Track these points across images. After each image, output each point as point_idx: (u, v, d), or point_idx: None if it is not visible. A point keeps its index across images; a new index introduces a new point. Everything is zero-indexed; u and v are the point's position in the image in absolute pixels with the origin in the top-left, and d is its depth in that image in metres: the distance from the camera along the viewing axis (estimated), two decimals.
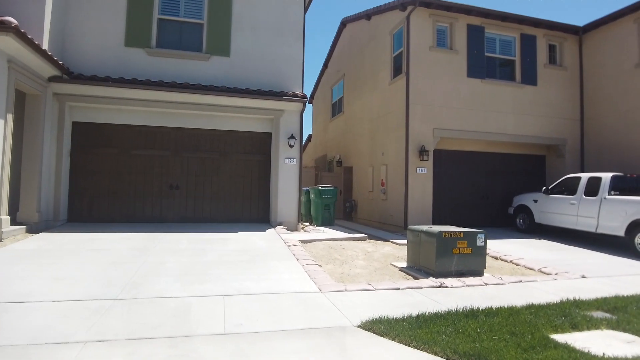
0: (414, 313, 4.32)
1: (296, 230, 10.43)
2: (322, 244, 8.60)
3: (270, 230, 9.59)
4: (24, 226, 8.32)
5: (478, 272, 6.45)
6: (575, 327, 4.05)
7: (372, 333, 3.81)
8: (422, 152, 11.25)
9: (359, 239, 9.25)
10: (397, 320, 4.04)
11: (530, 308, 4.56)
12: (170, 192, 10.41)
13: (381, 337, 3.72)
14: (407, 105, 11.43)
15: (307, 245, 8.41)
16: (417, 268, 6.68)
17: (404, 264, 7.12)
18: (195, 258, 6.72)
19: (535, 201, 11.49)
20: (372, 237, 10.13)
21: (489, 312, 4.34)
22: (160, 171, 10.40)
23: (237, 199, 10.76)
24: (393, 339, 3.65)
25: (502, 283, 6.04)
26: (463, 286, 5.78)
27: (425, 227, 6.64)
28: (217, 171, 10.70)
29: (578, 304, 4.81)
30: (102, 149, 10.12)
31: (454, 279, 6.02)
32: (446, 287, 5.70)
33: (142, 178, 10.30)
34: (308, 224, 12.24)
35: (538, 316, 4.25)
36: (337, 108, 18.34)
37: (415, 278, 6.34)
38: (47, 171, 9.10)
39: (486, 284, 5.94)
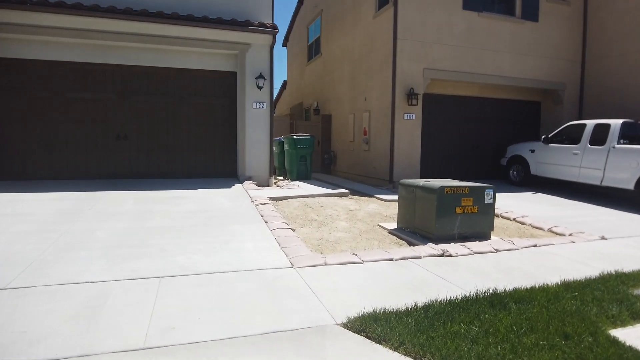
0: (420, 301, 3.15)
1: (268, 186, 9.12)
2: (297, 201, 7.34)
3: (236, 187, 8.24)
4: None
5: (484, 235, 5.36)
6: (636, 317, 2.98)
7: (364, 338, 2.62)
8: (411, 95, 9.88)
9: (340, 195, 8.03)
10: (398, 315, 2.86)
11: (568, 288, 3.46)
12: (117, 143, 8.81)
13: (378, 345, 2.54)
14: (395, 40, 9.89)
15: (280, 204, 7.14)
16: (410, 231, 5.54)
17: (394, 225, 5.96)
18: (137, 223, 5.36)
19: (532, 151, 10.44)
20: (354, 192, 8.94)
21: (520, 297, 3.21)
22: (105, 118, 8.73)
23: (198, 151, 9.27)
24: (396, 349, 2.48)
25: (514, 248, 4.97)
26: (470, 254, 4.67)
27: (422, 182, 5.42)
28: (174, 118, 9.10)
29: (623, 279, 3.75)
30: (31, 92, 8.33)
31: (458, 245, 4.90)
32: (450, 255, 4.57)
33: (83, 127, 8.63)
34: (282, 178, 10.92)
35: (585, 302, 3.15)
36: (314, 50, 16.52)
37: (410, 244, 5.20)
38: None
39: (497, 250, 4.85)
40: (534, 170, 10.38)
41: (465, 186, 5.18)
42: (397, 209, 7.12)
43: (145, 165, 8.98)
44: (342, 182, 11.16)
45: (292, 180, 10.11)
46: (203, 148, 9.29)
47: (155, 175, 9.01)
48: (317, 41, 15.91)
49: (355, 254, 4.40)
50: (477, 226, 5.28)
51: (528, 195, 9.34)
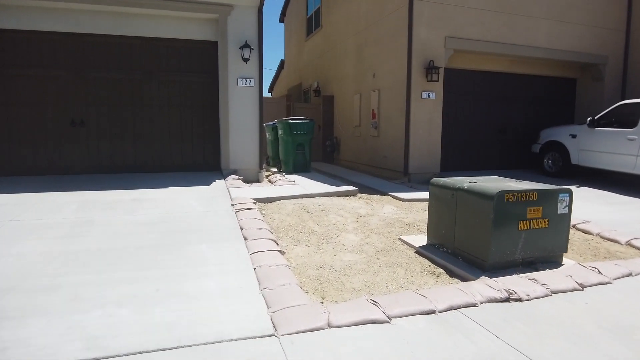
0: None
1: (257, 182, 7.52)
2: (292, 203, 5.74)
3: (217, 184, 6.64)
4: None
5: (554, 259, 3.76)
6: None
7: None
8: (430, 70, 8.17)
9: (346, 194, 6.43)
10: None
11: None
12: (72, 130, 7.18)
13: None
14: (411, 2, 8.14)
15: (269, 207, 5.54)
16: (448, 251, 3.94)
17: (422, 240, 4.36)
18: (61, 244, 3.78)
19: (574, 136, 8.76)
20: (363, 188, 7.33)
21: None
22: (56, 100, 7.09)
23: (173, 140, 7.65)
24: None
25: (605, 281, 3.36)
26: (547, 295, 3.08)
27: (466, 182, 3.80)
28: (142, 99, 7.46)
29: None
30: None
31: (524, 278, 3.30)
32: (519, 299, 2.98)
33: (28, 112, 6.99)
34: (276, 170, 9.31)
35: None
36: (313, 23, 14.71)
37: (451, 273, 3.60)
38: None
39: (582, 286, 3.24)
40: (575, 159, 8.71)
41: (532, 190, 3.55)
42: (419, 213, 5.52)
43: (108, 158, 7.36)
44: (347, 174, 9.53)
45: (287, 173, 8.50)
46: (179, 136, 7.66)
47: (121, 169, 7.41)
48: (317, 12, 14.09)
49: (374, 302, 2.80)
50: (546, 246, 3.67)
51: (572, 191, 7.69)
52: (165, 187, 6.27)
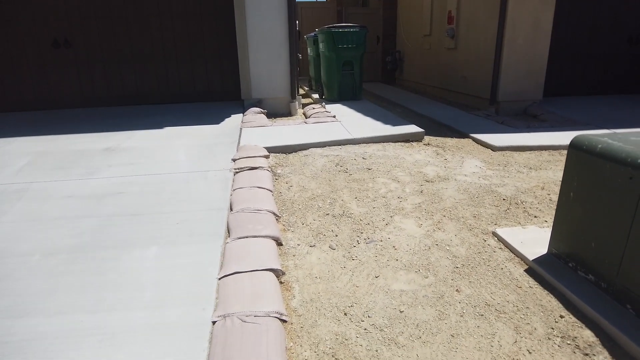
0: None
1: (288, 115, 5.72)
2: (324, 155, 3.94)
3: (230, 121, 4.95)
4: None
5: None
6: None
7: None
8: None
9: (407, 139, 4.45)
10: None
11: None
12: (55, 53, 5.69)
13: None
14: None
15: (290, 161, 3.80)
16: (601, 282, 2.00)
17: (534, 236, 2.44)
18: None
19: None
20: (432, 126, 5.28)
21: None
22: (31, 14, 5.53)
23: (181, 60, 5.92)
24: None
25: None
26: None
27: None
28: (140, 9, 5.67)
29: None
30: None
31: None
32: None
33: (3, 31, 5.54)
34: (318, 96, 7.35)
35: None
36: None
37: (610, 344, 1.71)
38: None
39: None
40: None
41: None
42: (523, 175, 3.48)
43: (101, 86, 5.87)
44: (410, 101, 7.35)
45: (329, 101, 6.55)
46: (188, 55, 5.90)
47: (115, 101, 5.92)
48: None
49: None
50: None
51: None
52: (161, 127, 4.71)
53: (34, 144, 4.20)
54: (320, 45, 6.76)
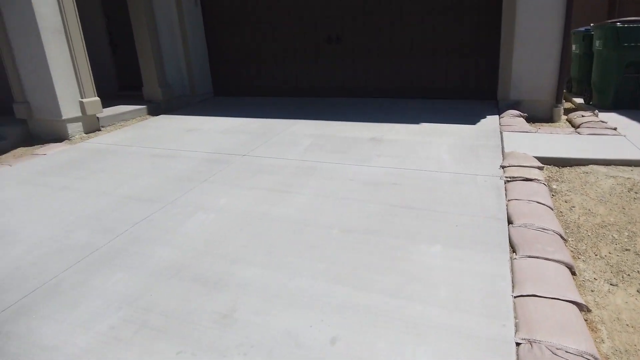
0: None
1: (549, 121, 5.14)
2: (610, 175, 3.36)
3: (486, 123, 4.76)
4: (144, 106, 6.26)
5: None
6: None
7: None
8: None
9: None
10: None
11: None
12: (324, 47, 6.49)
13: None
14: None
15: (566, 176, 3.39)
16: None
17: None
18: (267, 202, 3.04)
19: None
20: None
21: None
22: (311, 14, 6.43)
23: (437, 56, 5.96)
24: None
25: None
26: None
27: None
28: (401, 6, 5.94)
29: None
30: None
31: None
32: None
33: (288, 29, 6.63)
34: (583, 101, 6.33)
35: None
36: None
37: None
38: (166, 28, 6.51)
39: None
40: None
41: None
42: None
43: (361, 79, 6.43)
44: None
45: (600, 107, 5.58)
46: (442, 50, 5.90)
47: (372, 93, 6.39)
48: None
49: None
50: None
51: None
52: (417, 123, 4.87)
53: (312, 127, 4.92)
54: (597, 43, 5.77)
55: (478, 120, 4.84)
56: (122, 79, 7.59)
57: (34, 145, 5.11)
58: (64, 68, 5.03)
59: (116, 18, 7.24)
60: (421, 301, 1.96)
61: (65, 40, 5.00)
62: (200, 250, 2.48)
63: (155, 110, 6.34)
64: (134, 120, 5.92)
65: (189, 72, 6.82)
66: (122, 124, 5.73)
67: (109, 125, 5.62)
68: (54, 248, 2.63)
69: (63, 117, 5.07)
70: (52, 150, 4.73)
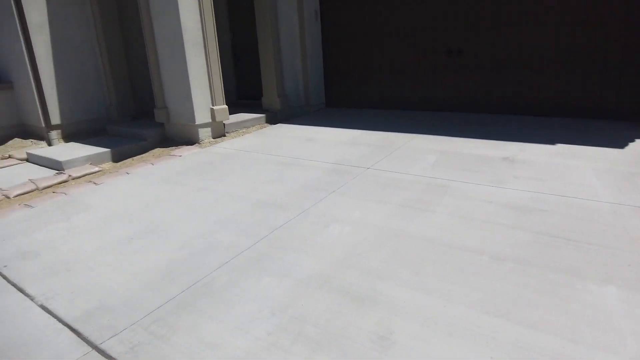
0: None
1: None
2: None
3: (636, 145, 4.20)
4: (263, 115, 6.60)
5: None
6: None
7: None
8: None
9: None
10: None
11: None
12: (445, 60, 6.28)
13: None
14: None
15: None
16: None
17: None
18: (402, 217, 2.97)
19: None
20: None
21: None
22: (433, 25, 6.27)
23: (569, 67, 5.44)
24: None
25: None
26: None
27: None
28: (526, 12, 5.53)
29: None
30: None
31: None
32: None
33: (407, 41, 6.54)
34: None
35: None
36: None
37: None
38: (288, 41, 6.80)
39: None
40: None
41: None
42: None
43: (481, 92, 6.10)
44: None
45: None
46: (577, 63, 5.36)
47: (492, 108, 6.02)
48: None
49: None
50: None
51: None
52: (552, 143, 4.46)
53: (432, 143, 4.76)
54: None
55: (626, 144, 4.29)
56: (240, 88, 8.11)
57: (169, 147, 5.63)
58: (200, 77, 5.49)
59: (240, 33, 7.77)
60: (607, 350, 1.72)
61: (203, 52, 5.46)
62: (342, 263, 2.47)
63: (273, 119, 6.64)
64: (254, 127, 6.25)
65: (305, 83, 7.04)
66: (243, 130, 6.08)
67: (233, 131, 6.00)
68: (201, 247, 2.81)
69: (196, 122, 5.52)
70: (186, 152, 5.16)
